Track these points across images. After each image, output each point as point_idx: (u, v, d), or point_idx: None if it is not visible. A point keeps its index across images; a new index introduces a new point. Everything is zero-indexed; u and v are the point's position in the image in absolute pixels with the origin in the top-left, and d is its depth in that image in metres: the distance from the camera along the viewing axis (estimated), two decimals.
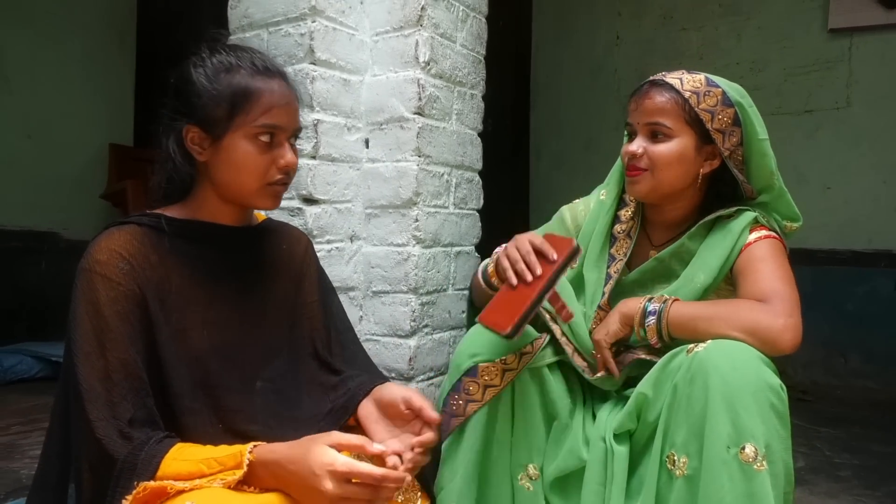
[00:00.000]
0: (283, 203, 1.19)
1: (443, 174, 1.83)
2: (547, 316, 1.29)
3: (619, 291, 1.34)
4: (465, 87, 1.91)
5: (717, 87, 1.25)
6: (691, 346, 1.10)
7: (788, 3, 3.56)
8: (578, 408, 1.30)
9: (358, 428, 1.10)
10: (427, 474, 1.10)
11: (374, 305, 1.78)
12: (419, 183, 1.73)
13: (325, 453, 0.86)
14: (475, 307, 1.44)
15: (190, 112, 1.01)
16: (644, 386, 1.16)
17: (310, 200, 1.66)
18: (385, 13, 1.77)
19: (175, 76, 1.05)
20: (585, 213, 1.44)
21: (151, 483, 0.85)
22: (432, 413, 1.03)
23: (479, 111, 1.99)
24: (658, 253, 1.33)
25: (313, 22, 1.65)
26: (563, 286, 1.31)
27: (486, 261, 1.38)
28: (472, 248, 1.98)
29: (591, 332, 1.29)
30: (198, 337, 1.01)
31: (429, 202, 1.77)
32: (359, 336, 1.34)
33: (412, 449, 0.99)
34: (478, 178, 2.00)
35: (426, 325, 1.78)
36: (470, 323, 1.44)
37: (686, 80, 1.25)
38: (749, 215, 1.27)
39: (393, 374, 1.74)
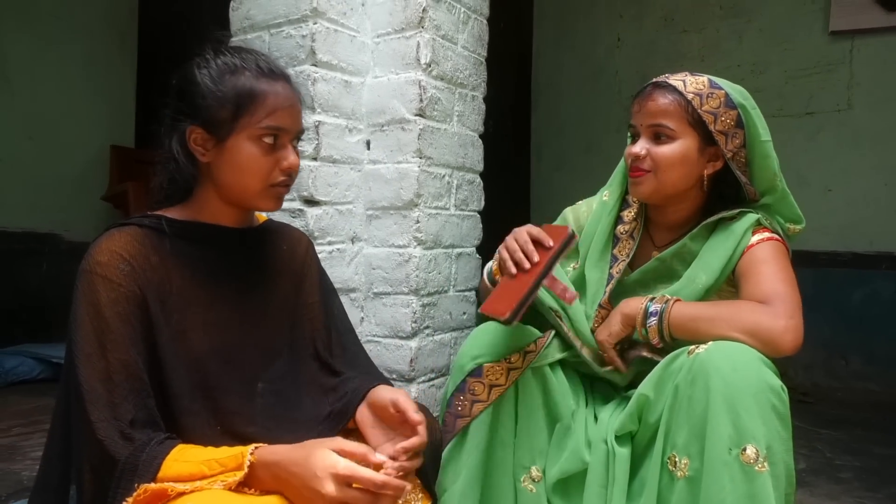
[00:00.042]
0: (285, 204, 1.19)
1: (444, 176, 1.83)
2: (553, 313, 1.29)
3: (621, 291, 1.34)
4: (466, 88, 1.91)
5: (721, 88, 1.25)
6: (692, 347, 1.10)
7: (789, 5, 3.56)
8: (580, 409, 1.30)
9: (357, 431, 1.10)
10: (429, 474, 1.10)
11: (375, 307, 1.78)
12: (420, 184, 1.73)
13: (328, 456, 0.86)
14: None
15: (194, 113, 1.01)
16: (645, 387, 1.17)
17: (311, 202, 1.66)
18: (386, 15, 1.77)
19: (178, 77, 1.04)
20: (588, 214, 1.44)
21: (152, 485, 0.85)
22: (415, 415, 1.01)
23: (480, 113, 1.99)
24: (660, 253, 1.34)
25: (315, 24, 1.65)
26: (562, 278, 1.32)
27: (490, 262, 1.39)
28: (474, 249, 1.98)
29: (593, 332, 1.30)
30: (198, 338, 1.01)
31: (430, 203, 1.77)
32: (360, 337, 1.34)
33: (395, 458, 0.96)
34: (479, 179, 2.00)
35: (427, 327, 1.78)
36: None
37: (689, 82, 1.25)
38: (752, 217, 1.27)
39: (394, 376, 1.74)
